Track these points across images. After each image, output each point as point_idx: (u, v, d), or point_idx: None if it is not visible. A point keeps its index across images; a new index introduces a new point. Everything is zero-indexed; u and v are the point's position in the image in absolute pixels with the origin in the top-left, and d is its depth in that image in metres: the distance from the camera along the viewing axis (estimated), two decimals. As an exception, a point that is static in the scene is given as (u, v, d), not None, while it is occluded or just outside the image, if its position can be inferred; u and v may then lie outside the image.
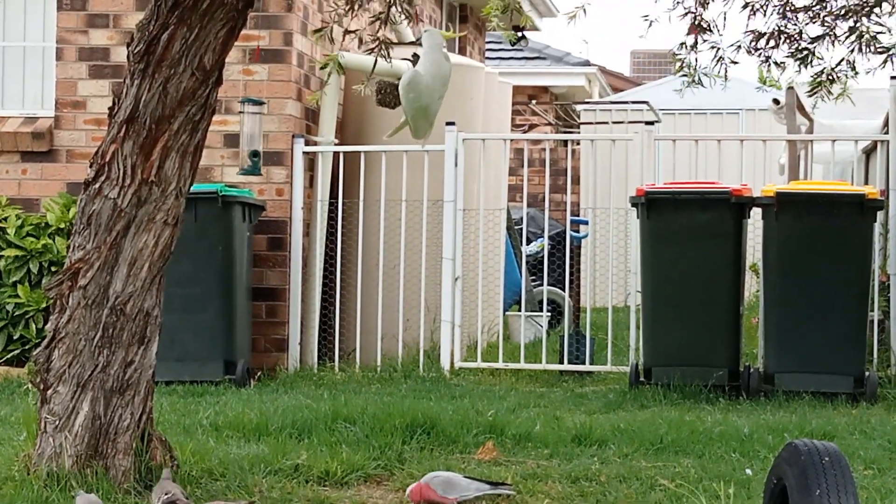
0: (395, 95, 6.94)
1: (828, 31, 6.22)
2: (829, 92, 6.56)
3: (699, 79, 6.46)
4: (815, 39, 6.25)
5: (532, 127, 17.95)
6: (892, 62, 6.20)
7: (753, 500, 6.07)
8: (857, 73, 6.41)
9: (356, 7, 6.67)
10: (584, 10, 6.04)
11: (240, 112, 10.59)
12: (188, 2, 6.03)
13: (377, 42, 6.62)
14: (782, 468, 4.49)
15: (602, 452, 7.31)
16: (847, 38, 6.14)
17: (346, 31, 6.72)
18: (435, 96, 6.70)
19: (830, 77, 6.42)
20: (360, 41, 6.80)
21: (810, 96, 6.64)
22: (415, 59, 6.85)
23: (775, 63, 6.45)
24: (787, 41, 6.29)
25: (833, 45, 6.31)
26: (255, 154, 10.52)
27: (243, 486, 6.22)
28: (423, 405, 8.47)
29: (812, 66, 6.39)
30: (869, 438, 7.80)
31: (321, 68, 6.48)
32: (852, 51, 6.25)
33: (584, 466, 6.88)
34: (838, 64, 6.30)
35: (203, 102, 6.21)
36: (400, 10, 6.58)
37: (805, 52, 6.29)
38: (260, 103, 10.58)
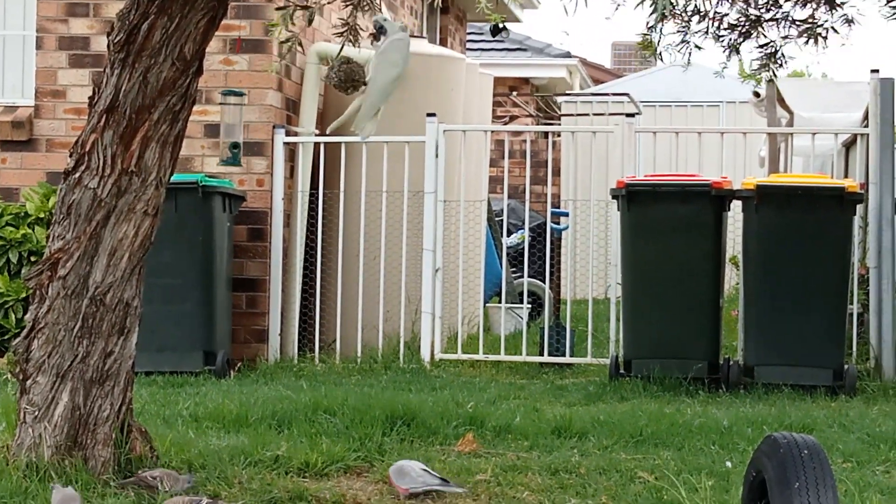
0: (354, 77, 6.95)
1: (781, 16, 6.22)
2: (775, 74, 6.56)
3: (660, 56, 6.45)
4: (754, 22, 6.25)
5: (513, 118, 17.95)
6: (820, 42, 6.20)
7: (732, 493, 6.08)
8: (784, 64, 6.42)
9: None
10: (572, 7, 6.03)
11: (220, 103, 10.57)
12: (169, -9, 6.01)
13: (346, 27, 6.61)
14: (761, 461, 4.50)
15: (582, 444, 7.32)
16: (800, 24, 6.14)
17: (296, 6, 6.67)
18: (404, 71, 6.75)
19: (774, 56, 6.41)
20: (310, 20, 6.75)
21: (756, 71, 6.64)
22: (379, 30, 6.85)
23: (735, 49, 6.45)
24: (750, 27, 6.29)
25: (787, 27, 6.31)
26: (235, 145, 10.51)
27: (223, 478, 6.21)
28: (403, 397, 8.47)
29: (755, 43, 6.39)
30: (848, 431, 7.82)
31: (281, 43, 6.52)
32: (807, 41, 6.24)
33: (564, 458, 6.89)
34: (775, 51, 6.29)
35: (183, 92, 6.19)
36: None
37: (750, 33, 6.29)
38: (240, 94, 10.56)
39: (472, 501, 6.19)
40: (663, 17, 6.07)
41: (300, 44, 6.82)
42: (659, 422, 7.82)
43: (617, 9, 6.19)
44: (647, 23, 6.04)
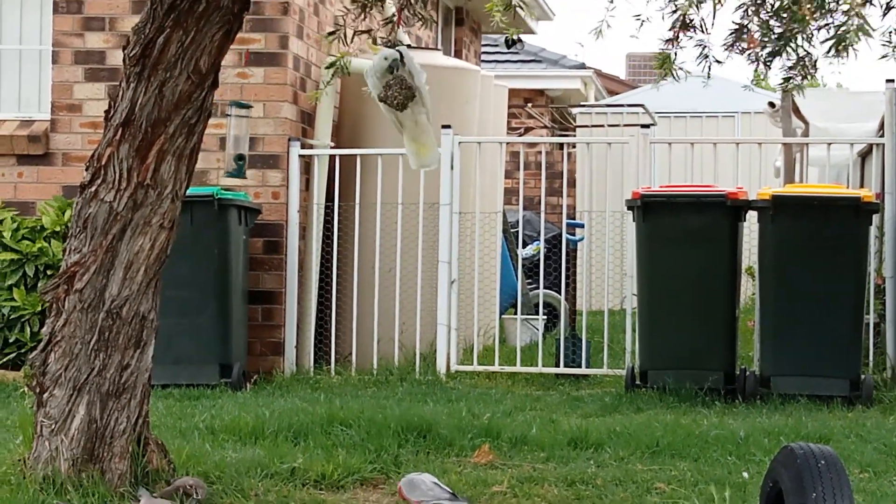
0: (414, 95, 6.87)
1: (803, 27, 6.21)
2: (801, 88, 6.54)
3: (675, 74, 6.44)
4: (781, 36, 6.24)
5: (528, 130, 17.96)
6: (851, 53, 6.18)
7: (749, 504, 6.07)
8: (815, 73, 6.40)
9: (368, 9, 6.67)
10: (606, 25, 6.05)
11: (226, 115, 10.58)
12: (184, 5, 6.03)
13: (389, 45, 6.66)
14: (778, 472, 4.49)
15: (598, 456, 7.31)
16: (821, 30, 6.13)
17: (357, 32, 6.71)
18: None
19: (803, 71, 6.39)
20: (375, 41, 6.81)
21: (784, 91, 6.64)
22: (400, 60, 6.89)
23: (764, 63, 6.43)
24: (770, 38, 6.27)
25: (809, 42, 6.29)
26: (240, 157, 10.52)
27: (239, 490, 6.22)
28: (419, 408, 8.47)
29: (784, 58, 6.37)
30: (864, 442, 7.80)
31: (327, 68, 6.48)
32: (829, 50, 6.23)
33: (581, 470, 6.88)
34: (801, 59, 6.28)
35: (199, 105, 6.21)
36: (412, 12, 6.59)
37: (781, 45, 6.27)
38: (247, 106, 10.58)
39: (489, 513, 6.19)
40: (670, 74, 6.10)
41: (347, 69, 6.86)
42: (675, 433, 7.81)
43: (641, 25, 6.19)
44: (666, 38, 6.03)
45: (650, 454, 7.35)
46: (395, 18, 6.57)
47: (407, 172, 10.95)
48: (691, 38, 6.19)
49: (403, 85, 6.80)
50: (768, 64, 6.31)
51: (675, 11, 6.05)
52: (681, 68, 6.28)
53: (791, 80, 6.37)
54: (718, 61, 6.28)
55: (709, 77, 6.43)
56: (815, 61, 6.21)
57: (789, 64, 6.29)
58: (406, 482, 6.18)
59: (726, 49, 6.20)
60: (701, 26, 6.14)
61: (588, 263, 12.15)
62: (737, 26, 6.15)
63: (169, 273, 6.69)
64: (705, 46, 6.23)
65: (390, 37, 6.61)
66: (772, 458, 4.80)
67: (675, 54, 6.21)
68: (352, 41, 6.65)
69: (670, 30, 6.11)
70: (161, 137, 6.15)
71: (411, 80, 6.87)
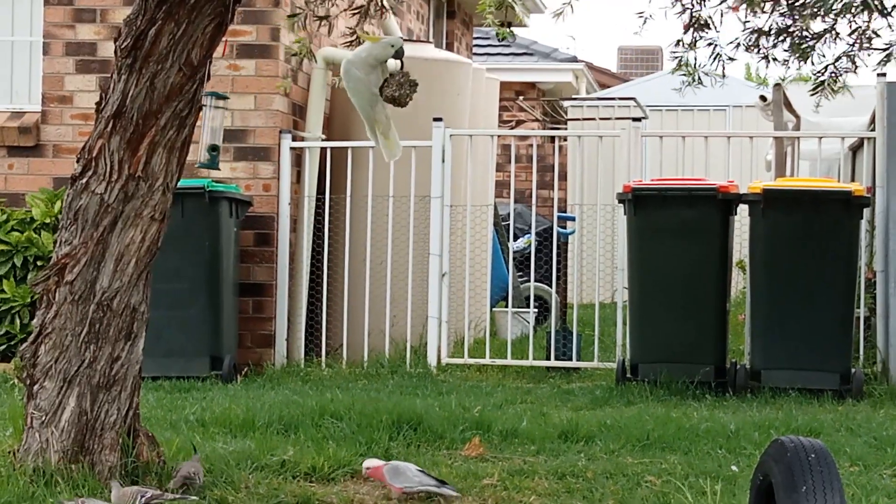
0: (415, 89, 6.62)
1: (829, 27, 6.21)
2: (833, 90, 6.52)
3: (699, 77, 6.43)
4: (816, 36, 6.23)
5: (519, 123, 17.97)
6: (893, 59, 6.19)
7: (739, 497, 6.08)
8: (856, 69, 6.39)
9: None
10: (572, 7, 6.02)
11: (203, 105, 10.55)
12: (176, -3, 6.01)
13: (354, 35, 6.62)
14: (768, 465, 4.49)
15: (589, 449, 7.32)
16: (849, 34, 6.13)
17: (318, 18, 6.68)
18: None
19: (834, 75, 6.39)
20: (330, 28, 6.72)
21: (812, 95, 6.61)
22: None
23: (775, 60, 6.42)
24: (789, 37, 6.26)
25: (836, 41, 6.29)
26: (213, 148, 10.46)
27: (230, 482, 6.21)
28: (409, 401, 8.47)
29: (813, 63, 6.37)
30: (855, 435, 7.82)
31: (293, 55, 6.42)
32: (853, 45, 6.23)
33: (571, 463, 6.89)
34: (837, 59, 6.28)
35: (190, 98, 6.20)
36: (379, 3, 6.57)
37: (806, 48, 6.27)
38: (224, 98, 10.54)
39: (479, 506, 6.20)
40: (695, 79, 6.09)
41: (311, 53, 6.82)
42: (666, 426, 7.81)
43: (645, 23, 6.18)
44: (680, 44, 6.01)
45: (641, 447, 7.36)
46: (361, 9, 6.51)
47: (398, 165, 10.94)
48: (703, 37, 6.18)
49: (413, 82, 6.53)
50: (785, 62, 6.30)
51: (682, 12, 6.03)
52: (705, 72, 6.26)
53: (825, 84, 6.35)
54: (732, 59, 6.27)
55: (724, 76, 6.41)
56: (854, 60, 6.20)
57: (821, 64, 6.28)
58: (390, 469, 6.16)
59: (736, 48, 6.19)
60: (710, 24, 6.13)
61: (579, 256, 12.16)
62: (759, 28, 6.14)
63: (160, 265, 6.68)
64: (717, 45, 6.22)
65: (356, 28, 6.55)
66: (762, 451, 4.80)
67: (696, 58, 6.19)
68: (319, 27, 6.60)
69: (685, 31, 6.10)
70: (152, 129, 6.14)
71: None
